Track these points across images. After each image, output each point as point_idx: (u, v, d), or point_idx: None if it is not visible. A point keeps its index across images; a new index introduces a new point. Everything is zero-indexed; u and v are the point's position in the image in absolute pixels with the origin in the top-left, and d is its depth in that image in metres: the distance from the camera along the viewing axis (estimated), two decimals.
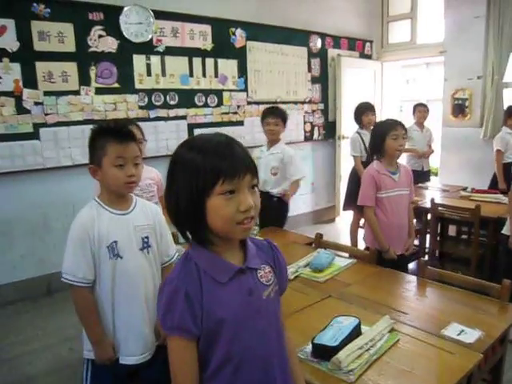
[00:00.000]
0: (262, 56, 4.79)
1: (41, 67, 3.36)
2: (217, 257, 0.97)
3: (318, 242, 2.45)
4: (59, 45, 3.42)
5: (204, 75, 4.34)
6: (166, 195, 0.98)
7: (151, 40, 3.92)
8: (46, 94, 3.41)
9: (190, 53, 4.20)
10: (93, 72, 3.61)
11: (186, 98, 4.22)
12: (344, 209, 4.56)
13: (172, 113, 4.14)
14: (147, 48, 3.91)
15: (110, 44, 3.68)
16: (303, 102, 5.29)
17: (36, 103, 3.37)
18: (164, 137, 4.10)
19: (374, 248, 2.22)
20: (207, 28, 4.29)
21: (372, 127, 3.01)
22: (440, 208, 3.42)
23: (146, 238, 1.59)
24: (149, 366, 1.64)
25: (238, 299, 0.97)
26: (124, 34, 3.73)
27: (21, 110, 3.31)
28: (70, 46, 3.47)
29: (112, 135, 1.51)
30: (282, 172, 3.28)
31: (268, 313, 1.02)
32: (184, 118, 4.23)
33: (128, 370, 1.60)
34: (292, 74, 5.13)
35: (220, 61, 4.43)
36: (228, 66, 4.51)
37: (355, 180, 4.06)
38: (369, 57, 6.01)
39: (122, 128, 1.55)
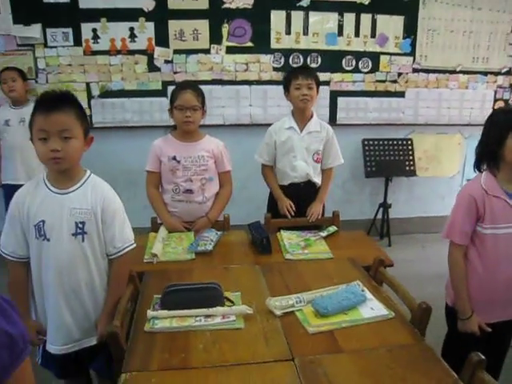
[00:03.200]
0: (441, 10, 3.76)
1: (173, 25, 3.38)
2: None
3: (375, 270, 1.78)
4: (192, 2, 3.35)
5: (357, 35, 3.68)
6: None
7: None
8: (176, 52, 3.43)
9: (340, 7, 3.59)
10: (225, 30, 3.45)
11: (332, 60, 3.67)
12: None
13: None
14: (288, 3, 3.50)
15: None
16: (497, 73, 4.01)
17: (166, 61, 3.44)
18: None
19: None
20: None
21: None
22: None
23: (82, 223, 1.39)
24: (91, 359, 1.53)
25: None
26: None
27: (152, 67, 3.43)
28: (203, 2, 3.37)
29: (39, 105, 1.34)
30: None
31: None
32: (327, 83, 3.69)
33: (66, 359, 1.49)
34: (485, 35, 3.90)
35: (380, 17, 3.67)
36: (390, 24, 3.71)
37: None
38: None
39: (50, 96, 1.35)
